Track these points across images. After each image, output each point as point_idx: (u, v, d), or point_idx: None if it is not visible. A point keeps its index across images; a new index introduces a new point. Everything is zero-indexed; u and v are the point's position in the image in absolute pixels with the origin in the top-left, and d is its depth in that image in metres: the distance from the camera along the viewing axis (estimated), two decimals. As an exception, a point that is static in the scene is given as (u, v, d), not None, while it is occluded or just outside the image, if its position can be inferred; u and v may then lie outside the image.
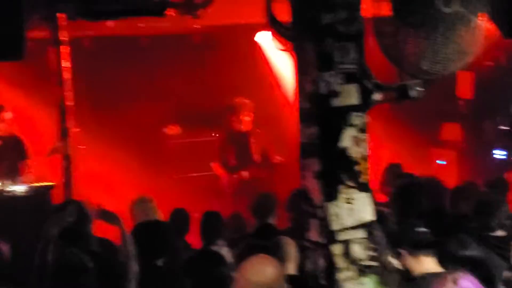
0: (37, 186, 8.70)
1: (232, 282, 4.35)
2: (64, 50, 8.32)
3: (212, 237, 6.72)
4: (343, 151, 4.68)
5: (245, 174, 10.21)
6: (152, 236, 5.38)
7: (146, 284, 5.07)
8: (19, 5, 6.55)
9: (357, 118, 4.71)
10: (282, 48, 5.57)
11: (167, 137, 11.09)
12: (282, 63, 10.97)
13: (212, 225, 6.81)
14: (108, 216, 5.32)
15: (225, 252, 6.34)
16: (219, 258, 5.34)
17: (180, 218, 7.17)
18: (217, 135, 10.72)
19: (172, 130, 11.08)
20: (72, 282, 4.65)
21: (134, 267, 5.06)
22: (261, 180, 10.21)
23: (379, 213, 4.81)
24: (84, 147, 9.16)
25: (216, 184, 10.43)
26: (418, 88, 4.73)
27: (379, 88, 4.74)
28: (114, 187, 10.27)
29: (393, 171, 7.90)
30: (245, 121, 10.32)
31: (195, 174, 10.84)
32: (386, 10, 4.76)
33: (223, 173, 10.29)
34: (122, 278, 5.02)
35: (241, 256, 4.86)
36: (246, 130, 10.36)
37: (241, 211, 8.19)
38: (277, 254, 5.46)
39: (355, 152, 4.70)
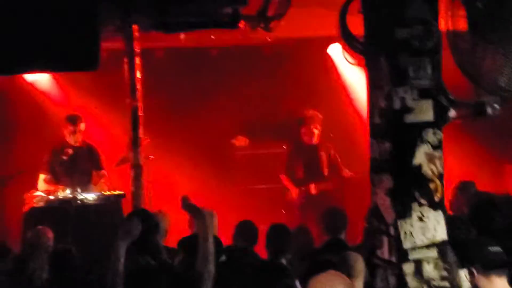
0: (109, 194, 8.81)
1: None
2: (137, 61, 8.41)
3: (278, 250, 6.67)
4: (416, 168, 4.61)
5: (312, 187, 10.14)
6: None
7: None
8: (94, 17, 6.68)
9: (431, 135, 4.64)
10: (354, 62, 5.54)
11: (235, 148, 11.09)
12: (354, 77, 10.88)
13: (279, 237, 6.75)
14: (195, 210, 5.30)
15: (290, 264, 6.32)
16: (283, 270, 5.29)
17: (246, 229, 7.14)
18: (285, 147, 10.66)
19: (240, 141, 11.08)
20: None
21: (211, 266, 5.05)
22: (329, 194, 10.13)
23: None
24: (153, 157, 9.22)
25: (282, 197, 10.39)
26: (495, 105, 4.64)
27: (454, 104, 4.67)
28: (182, 195, 10.31)
29: (466, 189, 7.74)
30: (315, 133, 10.26)
31: (262, 186, 10.80)
32: (463, 25, 4.69)
33: (292, 186, 10.24)
34: (202, 278, 5.00)
35: (310, 271, 4.81)
36: (315, 142, 10.29)
37: (308, 225, 8.15)
38: (345, 269, 5.42)
39: (429, 169, 4.63)
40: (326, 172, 10.27)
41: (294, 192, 10.19)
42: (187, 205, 5.47)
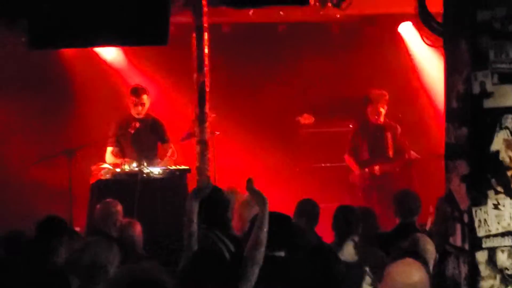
0: (174, 169, 8.84)
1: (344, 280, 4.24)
2: (205, 36, 8.38)
3: (345, 232, 6.59)
4: (494, 155, 4.50)
5: (377, 168, 9.95)
6: (275, 227, 5.26)
7: (264, 275, 4.99)
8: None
9: (510, 121, 4.51)
10: (430, 43, 5.40)
11: (301, 125, 11.02)
12: (425, 57, 10.68)
13: (346, 219, 6.66)
14: (258, 195, 5.26)
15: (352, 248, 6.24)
16: (333, 255, 5.20)
17: (308, 208, 7.07)
18: (351, 126, 10.47)
19: (306, 119, 10.99)
20: (213, 265, 4.65)
21: (261, 254, 5.01)
22: (395, 176, 9.95)
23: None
24: (219, 133, 9.21)
25: (346, 177, 10.28)
26: None
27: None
28: (246, 172, 10.31)
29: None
30: (382, 112, 10.01)
31: (326, 165, 10.73)
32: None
33: (355, 166, 10.07)
34: (247, 264, 4.98)
35: (384, 259, 4.76)
36: (381, 122, 10.07)
37: (371, 207, 8.05)
38: (415, 252, 5.34)
39: (506, 156, 4.50)
40: (391, 153, 10.03)
41: (357, 173, 10.03)
42: (251, 189, 5.41)
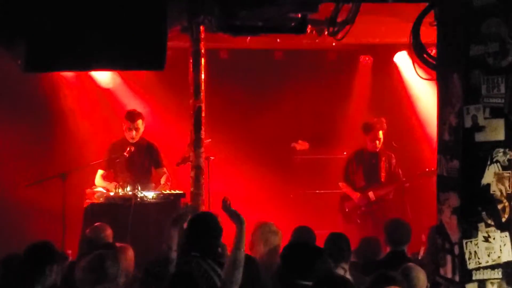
0: (168, 194, 8.84)
1: None
2: (202, 61, 8.42)
3: (335, 258, 6.58)
4: (485, 188, 4.53)
5: (371, 194, 9.98)
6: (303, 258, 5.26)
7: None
8: (162, 17, 6.70)
9: (501, 155, 4.55)
10: (426, 77, 5.45)
11: (296, 152, 11.05)
12: (419, 87, 10.74)
13: (336, 246, 6.65)
14: (234, 215, 5.26)
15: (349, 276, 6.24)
16: (347, 284, 5.21)
17: (304, 235, 7.08)
18: (345, 153, 10.52)
19: (301, 145, 11.02)
20: None
21: (240, 274, 5.01)
22: (389, 203, 9.98)
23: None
24: (214, 158, 9.23)
25: (341, 205, 10.29)
26: None
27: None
28: (240, 198, 10.32)
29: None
30: (381, 140, 10.01)
31: (321, 191, 10.75)
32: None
33: (353, 192, 10.08)
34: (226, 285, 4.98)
35: (373, 284, 4.76)
36: (377, 150, 10.12)
37: (367, 234, 8.05)
38: (406, 282, 5.34)
39: (497, 189, 4.54)
40: (383, 179, 10.09)
41: (355, 197, 10.04)
42: (227, 209, 5.42)
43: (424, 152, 10.49)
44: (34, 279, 5.45)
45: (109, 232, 7.27)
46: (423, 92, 10.64)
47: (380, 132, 9.96)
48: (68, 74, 10.27)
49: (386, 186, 10.03)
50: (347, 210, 10.08)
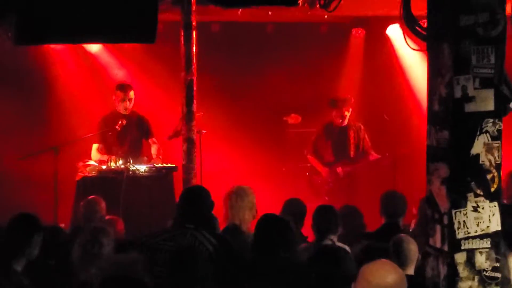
0: (160, 167, 8.86)
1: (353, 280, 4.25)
2: (193, 34, 8.40)
3: (324, 231, 6.58)
4: (474, 158, 4.54)
5: (339, 170, 10.02)
6: (273, 230, 5.31)
7: (262, 277, 5.05)
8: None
9: (491, 125, 4.56)
10: (416, 47, 5.44)
11: (288, 125, 11.05)
12: (412, 59, 10.74)
13: (324, 218, 6.65)
14: None
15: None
16: (345, 254, 5.23)
17: (294, 208, 7.08)
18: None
19: (293, 119, 11.03)
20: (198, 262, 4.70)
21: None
22: (356, 176, 10.01)
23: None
24: (206, 131, 9.23)
25: (309, 178, 10.32)
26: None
27: (516, 95, 4.57)
28: (232, 171, 10.36)
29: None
30: (346, 116, 10.07)
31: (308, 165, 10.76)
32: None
33: (321, 167, 10.11)
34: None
35: (361, 258, 4.78)
36: (345, 125, 10.14)
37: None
38: (398, 253, 5.38)
39: (486, 159, 4.55)
40: (352, 154, 10.13)
41: (324, 172, 10.08)
42: None
43: (417, 123, 10.50)
44: (20, 251, 5.40)
45: (103, 204, 7.31)
46: (415, 65, 10.65)
47: (345, 111, 9.99)
48: (59, 46, 10.24)
49: (356, 162, 10.07)
50: (314, 184, 10.11)
